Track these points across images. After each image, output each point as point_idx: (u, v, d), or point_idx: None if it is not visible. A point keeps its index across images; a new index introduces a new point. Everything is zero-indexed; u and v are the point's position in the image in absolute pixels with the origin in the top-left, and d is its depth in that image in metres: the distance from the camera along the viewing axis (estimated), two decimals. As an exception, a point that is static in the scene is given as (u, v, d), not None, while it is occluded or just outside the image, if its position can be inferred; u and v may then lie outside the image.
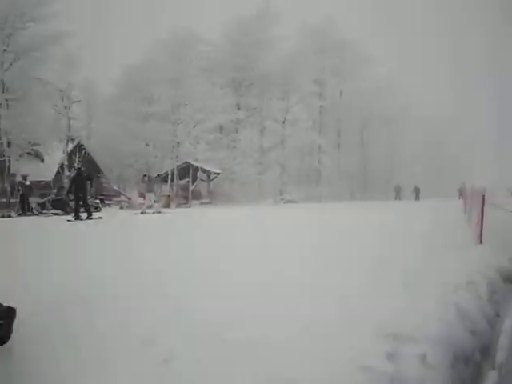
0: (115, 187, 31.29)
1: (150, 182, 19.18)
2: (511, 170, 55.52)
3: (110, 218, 15.48)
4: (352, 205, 24.21)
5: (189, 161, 30.30)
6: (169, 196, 27.57)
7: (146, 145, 32.94)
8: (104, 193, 27.45)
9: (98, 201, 21.46)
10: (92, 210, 15.52)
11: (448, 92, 69.96)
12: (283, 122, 35.59)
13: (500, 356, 1.76)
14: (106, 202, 25.15)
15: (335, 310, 3.27)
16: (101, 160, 30.04)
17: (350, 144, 40.64)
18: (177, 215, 17.58)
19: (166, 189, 29.71)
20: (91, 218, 14.22)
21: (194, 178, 30.33)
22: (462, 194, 36.00)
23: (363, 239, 8.65)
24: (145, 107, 31.85)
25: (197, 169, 30.03)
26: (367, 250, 7.20)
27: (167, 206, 25.57)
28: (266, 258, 5.85)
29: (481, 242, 10.14)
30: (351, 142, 40.80)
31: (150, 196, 18.66)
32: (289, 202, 30.96)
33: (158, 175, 30.02)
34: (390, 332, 2.78)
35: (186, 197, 29.64)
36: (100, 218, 14.92)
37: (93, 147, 30.34)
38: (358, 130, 41.49)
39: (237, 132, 34.80)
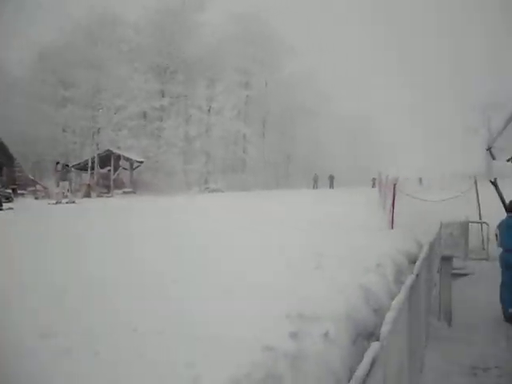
0: (30, 176, 29.24)
1: (64, 170, 18.19)
2: (421, 161, 60.01)
3: (21, 208, 14.51)
4: (273, 193, 24.67)
5: (110, 148, 29.11)
6: (89, 185, 26.34)
7: (64, 131, 31.10)
8: (17, 182, 25.54)
9: (9, 191, 20.03)
10: (3, 200, 14.59)
11: (370, 89, 73.37)
12: (208, 111, 35.33)
13: (384, 329, 1.89)
14: (20, 191, 23.46)
15: (245, 293, 3.33)
16: (12, 147, 27.85)
17: (274, 134, 41.35)
18: (91, 204, 16.89)
19: (86, 178, 28.43)
20: (1, 209, 13.42)
21: (116, 167, 29.19)
22: (375, 183, 38.26)
23: (279, 226, 8.86)
24: (61, 91, 30.00)
25: (119, 157, 28.90)
26: (283, 235, 7.40)
27: (87, 195, 24.45)
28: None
29: (392, 228, 10.86)
30: (276, 132, 41.54)
31: (64, 185, 17.74)
32: (214, 191, 30.90)
33: (79, 163, 28.54)
34: (296, 313, 2.89)
35: (108, 186, 28.49)
36: (11, 208, 14.06)
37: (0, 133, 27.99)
38: (283, 120, 42.33)
39: (161, 120, 33.97)
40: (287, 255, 5.25)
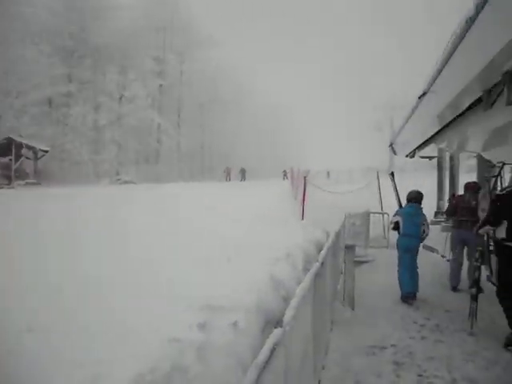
0: None
1: None
2: (331, 156, 63.06)
3: None
4: (188, 185, 24.42)
5: (11, 136, 26.74)
6: (-14, 176, 24.07)
7: (-45, 116, 27.98)
8: None
9: None
10: None
11: (289, 82, 75.12)
12: (120, 99, 33.87)
13: (287, 315, 1.94)
14: None
15: (154, 288, 3.26)
16: None
17: (191, 125, 40.86)
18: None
19: (-16, 168, 25.91)
20: None
21: (18, 156, 26.92)
22: (286, 176, 39.47)
23: (193, 216, 8.80)
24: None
25: (21, 145, 26.66)
26: (196, 225, 7.35)
27: (-15, 186, 22.33)
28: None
29: (303, 218, 11.28)
30: (193, 123, 41.07)
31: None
32: (126, 182, 29.81)
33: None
34: (205, 304, 2.88)
35: (9, 176, 26.20)
36: None
37: None
38: (200, 112, 41.95)
39: (68, 107, 31.84)
40: (195, 247, 5.22)
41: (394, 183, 7.84)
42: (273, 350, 1.65)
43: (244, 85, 48.23)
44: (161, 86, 37.70)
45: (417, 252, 6.14)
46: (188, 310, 2.75)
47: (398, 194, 7.26)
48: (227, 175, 38.64)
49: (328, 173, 44.65)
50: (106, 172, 32.03)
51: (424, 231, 6.14)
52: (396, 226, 6.32)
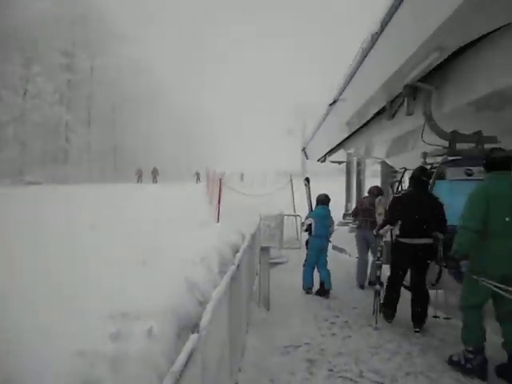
0: None
1: None
2: (247, 159, 64.05)
3: None
4: (97, 187, 23.34)
5: None
6: None
7: None
8: None
9: None
10: None
11: (207, 84, 74.71)
12: (24, 94, 31.44)
13: (204, 319, 1.93)
14: None
15: (57, 297, 3.04)
16: None
17: (102, 124, 39.07)
18: None
19: None
20: None
21: None
22: (198, 177, 39.33)
23: (101, 221, 8.44)
24: None
25: None
26: (106, 229, 7.06)
27: None
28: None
29: (218, 221, 11.30)
30: (104, 121, 39.30)
31: None
32: (31, 183, 27.69)
33: None
34: (118, 311, 2.75)
35: None
36: None
37: None
38: (112, 110, 40.28)
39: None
40: (108, 253, 5.00)
41: (309, 188, 8.25)
42: (190, 357, 1.62)
43: (160, 84, 47.22)
44: (69, 81, 35.62)
45: (327, 251, 6.69)
46: (99, 319, 2.60)
47: (310, 199, 7.70)
48: (139, 177, 37.37)
49: (242, 175, 45.26)
50: (9, 172, 29.48)
51: (332, 230, 6.81)
52: (308, 228, 6.72)
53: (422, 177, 5.09)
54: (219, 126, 69.41)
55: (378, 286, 5.12)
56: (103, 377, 2.17)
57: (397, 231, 5.08)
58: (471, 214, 3.64)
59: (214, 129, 67.58)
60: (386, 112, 7.28)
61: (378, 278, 5.19)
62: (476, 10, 3.83)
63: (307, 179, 8.60)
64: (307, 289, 6.44)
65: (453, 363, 3.74)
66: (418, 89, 5.85)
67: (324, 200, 6.84)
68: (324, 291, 6.27)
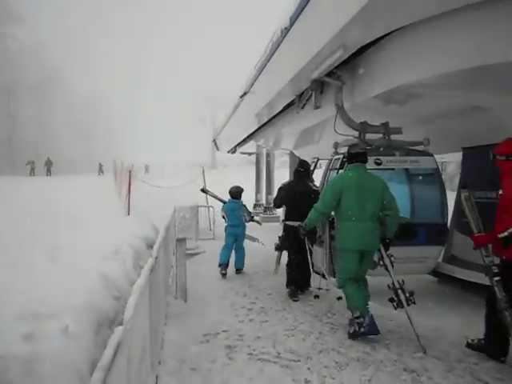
0: None
1: None
2: (157, 149, 62.40)
3: None
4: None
5: None
6: None
7: None
8: None
9: None
10: None
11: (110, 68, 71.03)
12: None
13: (127, 313, 1.91)
14: None
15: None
16: None
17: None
18: None
19: None
20: None
21: None
22: (101, 169, 37.54)
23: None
24: None
25: None
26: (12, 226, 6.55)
27: None
28: None
29: (129, 214, 10.95)
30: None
31: None
32: None
33: None
34: (30, 311, 2.60)
35: None
36: None
37: None
38: (4, 96, 36.78)
39: None
40: (15, 251, 4.66)
41: (210, 193, 9.09)
42: (116, 350, 1.60)
43: (57, 71, 44.06)
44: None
45: (243, 237, 7.37)
46: (10, 321, 2.44)
47: (219, 199, 8.39)
48: (31, 169, 34.45)
49: (146, 167, 44.07)
50: None
51: (245, 219, 7.29)
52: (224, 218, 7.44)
53: (299, 168, 6.01)
54: (126, 116, 66.70)
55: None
56: (16, 381, 2.07)
57: (283, 216, 5.96)
58: (322, 198, 4.50)
59: (121, 119, 64.81)
60: (295, 105, 7.58)
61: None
62: (375, 13, 4.15)
63: (202, 190, 9.55)
64: (220, 265, 6.94)
65: (352, 335, 4.14)
66: (326, 83, 6.17)
67: (234, 193, 7.45)
68: (236, 270, 7.17)
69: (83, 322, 2.84)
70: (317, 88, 6.15)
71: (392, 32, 4.85)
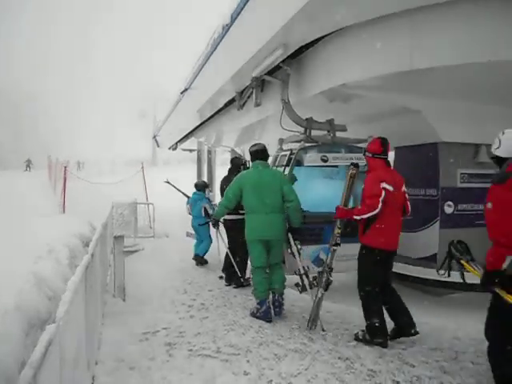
0: None
1: None
2: (95, 145, 60.03)
3: None
4: None
5: None
6: None
7: None
8: None
9: None
10: None
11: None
12: None
13: (60, 310, 1.85)
14: None
15: None
16: None
17: None
18: None
19: None
20: None
21: None
22: (29, 166, 35.65)
23: None
24: None
25: None
26: None
27: None
28: None
29: (64, 211, 10.50)
30: None
31: None
32: None
33: None
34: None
35: None
36: None
37: None
38: None
39: None
40: None
41: (174, 186, 9.13)
42: (47, 348, 1.55)
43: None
44: None
45: (209, 227, 7.50)
46: None
47: (183, 193, 8.75)
48: None
49: (79, 163, 42.15)
50: None
51: (206, 212, 7.48)
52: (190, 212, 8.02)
53: (232, 164, 6.64)
54: (62, 112, 63.51)
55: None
56: None
57: None
58: (225, 194, 4.93)
59: (57, 116, 61.62)
60: (236, 103, 7.62)
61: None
62: (313, 14, 4.28)
63: (167, 182, 9.45)
64: (196, 255, 7.62)
65: (251, 315, 4.68)
66: (267, 81, 6.25)
67: (200, 185, 8.23)
68: (194, 256, 7.65)
69: (13, 323, 2.71)
70: (257, 86, 6.22)
71: (333, 32, 5.02)
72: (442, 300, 5.97)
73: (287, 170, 5.66)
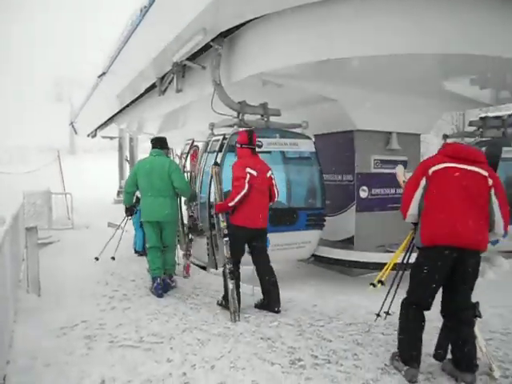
0: None
1: None
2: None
3: None
4: None
5: None
6: None
7: None
8: None
9: None
10: None
11: None
12: None
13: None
14: None
15: None
16: None
17: None
18: None
19: None
20: None
21: None
22: None
23: None
24: None
25: None
26: None
27: None
28: None
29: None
30: None
31: None
32: None
33: None
34: None
35: None
36: None
37: None
38: None
39: None
40: None
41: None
42: None
43: None
44: None
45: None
46: None
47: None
48: None
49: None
50: None
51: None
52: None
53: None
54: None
55: None
56: None
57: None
58: (126, 181, 5.56)
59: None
60: (157, 88, 7.43)
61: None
62: (230, 1, 4.31)
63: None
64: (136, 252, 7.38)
65: (150, 290, 5.11)
66: (188, 67, 6.15)
67: None
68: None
69: None
70: (178, 71, 6.12)
71: (254, 19, 5.05)
72: (357, 279, 6.35)
73: (220, 155, 5.48)
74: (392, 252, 6.63)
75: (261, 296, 4.62)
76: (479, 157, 2.89)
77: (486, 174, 2.83)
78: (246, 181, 4.31)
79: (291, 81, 5.79)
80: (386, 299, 3.64)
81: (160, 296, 4.95)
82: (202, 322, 4.11)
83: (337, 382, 2.92)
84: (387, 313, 3.59)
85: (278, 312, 4.40)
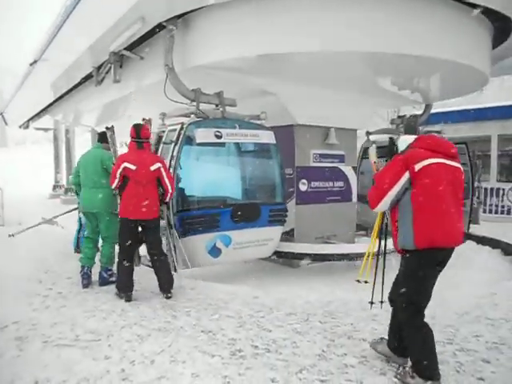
0: None
1: None
2: None
3: None
4: None
5: None
6: None
7: None
8: None
9: None
10: None
11: None
12: None
13: None
14: None
15: None
16: None
17: None
18: None
19: None
20: None
21: None
22: None
23: None
24: None
25: None
26: None
27: None
28: None
29: None
30: None
31: None
32: None
33: None
34: None
35: None
36: None
37: None
38: None
39: None
40: None
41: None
42: None
43: None
44: None
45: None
46: None
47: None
48: None
49: None
50: None
51: None
52: None
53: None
54: None
55: None
56: None
57: None
58: (72, 173, 5.73)
59: None
60: (93, 78, 7.17)
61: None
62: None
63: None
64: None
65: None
66: (126, 57, 5.98)
67: None
68: None
69: None
70: (116, 61, 5.93)
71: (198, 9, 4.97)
72: (298, 270, 6.52)
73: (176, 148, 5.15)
74: (331, 243, 6.90)
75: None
76: (455, 150, 2.81)
77: (462, 168, 2.82)
78: (118, 173, 4.57)
79: (234, 74, 5.75)
80: (374, 288, 3.54)
81: (85, 286, 5.04)
82: (141, 318, 4.04)
83: (276, 370, 2.99)
84: (381, 302, 3.47)
85: (167, 298, 4.62)
